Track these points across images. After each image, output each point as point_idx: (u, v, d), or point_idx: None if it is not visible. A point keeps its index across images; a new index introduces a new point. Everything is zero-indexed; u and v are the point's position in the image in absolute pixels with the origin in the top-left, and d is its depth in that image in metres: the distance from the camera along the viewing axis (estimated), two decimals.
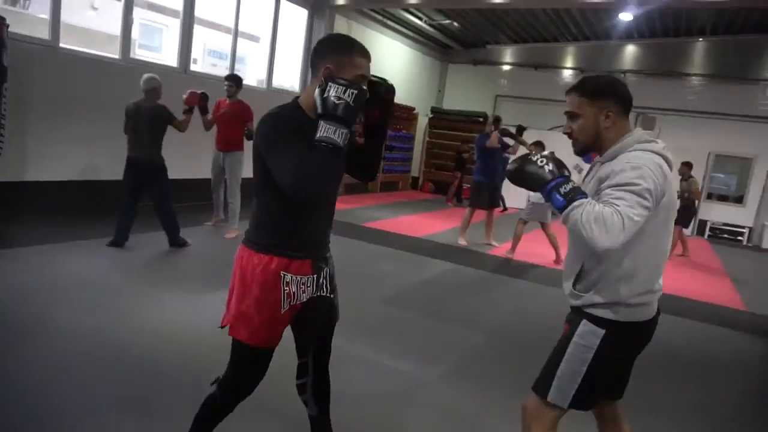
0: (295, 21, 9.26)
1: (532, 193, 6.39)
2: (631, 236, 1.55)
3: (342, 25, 9.92)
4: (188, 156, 6.62)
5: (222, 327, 1.81)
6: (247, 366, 1.81)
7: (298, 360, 1.96)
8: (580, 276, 1.74)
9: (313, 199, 1.67)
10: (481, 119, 12.24)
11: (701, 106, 10.94)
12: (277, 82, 8.99)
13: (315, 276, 1.81)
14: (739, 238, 10.94)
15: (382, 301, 4.33)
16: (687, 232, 8.92)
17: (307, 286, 1.78)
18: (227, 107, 5.82)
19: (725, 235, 11.01)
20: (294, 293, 1.74)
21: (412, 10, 10.45)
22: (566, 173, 1.68)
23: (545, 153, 1.74)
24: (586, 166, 6.60)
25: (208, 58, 11.86)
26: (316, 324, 1.88)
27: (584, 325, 1.71)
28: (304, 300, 1.78)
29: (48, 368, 2.64)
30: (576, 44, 12.33)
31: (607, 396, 1.85)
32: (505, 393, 3.04)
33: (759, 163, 10.61)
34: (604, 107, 1.71)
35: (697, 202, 8.55)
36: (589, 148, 1.78)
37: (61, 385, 2.51)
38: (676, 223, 8.93)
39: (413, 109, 12.47)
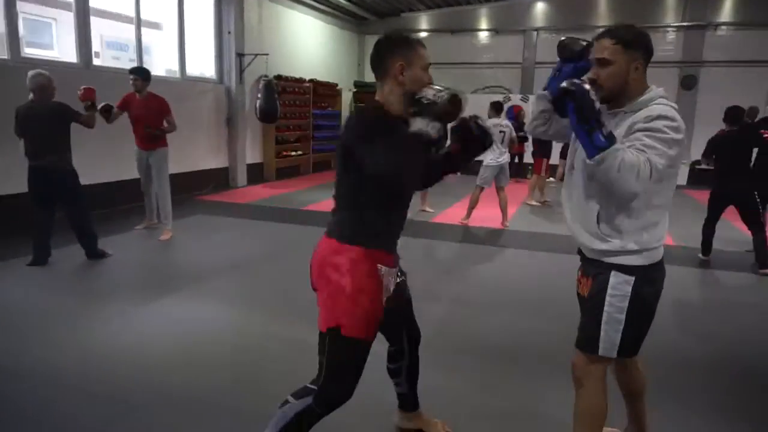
0: (200, 5, 8.71)
1: (487, 158, 6.41)
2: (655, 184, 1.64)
3: (252, 4, 9.47)
4: (110, 156, 6.16)
5: (326, 330, 1.76)
6: (357, 364, 1.79)
7: (390, 347, 2.13)
8: (599, 225, 1.79)
9: (404, 187, 1.79)
10: None
11: None
12: (189, 71, 8.48)
13: (396, 269, 1.93)
14: None
15: None
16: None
17: (393, 278, 1.88)
18: (139, 103, 5.38)
19: None
20: (387, 286, 1.83)
21: None
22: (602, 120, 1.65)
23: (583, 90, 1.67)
24: (505, 122, 6.60)
25: (109, 51, 10.99)
26: (404, 313, 2.05)
27: (615, 276, 1.79)
28: (391, 292, 1.87)
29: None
30: (489, 5, 12.48)
31: None
32: (476, 360, 3.08)
33: None
34: (636, 57, 1.74)
35: None
36: (614, 96, 1.78)
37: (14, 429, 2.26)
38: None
39: (336, 85, 12.23)
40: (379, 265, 1.78)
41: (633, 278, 1.77)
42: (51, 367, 2.80)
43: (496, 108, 6.72)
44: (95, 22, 6.76)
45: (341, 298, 1.73)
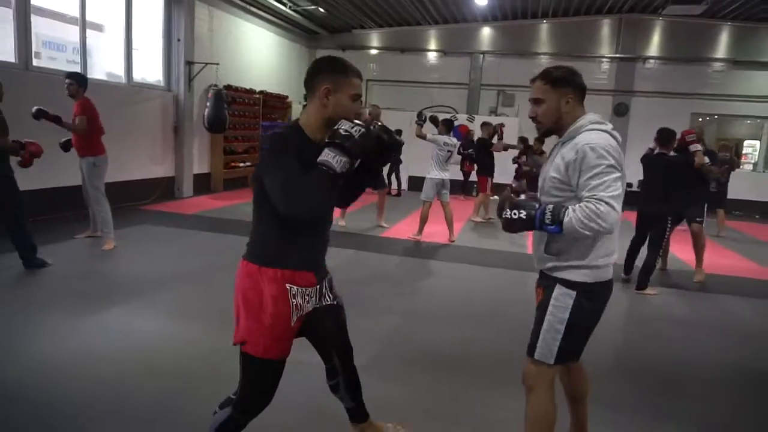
0: (147, 8, 8.51)
1: (430, 173, 6.61)
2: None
3: (203, 12, 9.36)
4: (49, 162, 5.90)
5: (235, 344, 1.82)
6: (263, 380, 1.84)
7: (325, 365, 2.13)
8: (549, 243, 1.96)
9: (299, 217, 1.73)
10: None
11: None
12: (134, 76, 8.25)
13: (318, 287, 1.90)
14: None
15: None
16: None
17: (311, 297, 1.87)
18: (74, 108, 5.20)
19: None
20: (300, 305, 1.82)
21: None
22: (533, 203, 1.89)
23: (504, 198, 1.95)
24: (454, 141, 6.76)
25: (45, 51, 10.50)
26: (329, 331, 2.02)
27: (558, 289, 1.95)
28: (309, 310, 1.86)
29: None
30: (438, 27, 12.88)
31: None
32: (430, 372, 3.18)
33: None
34: (564, 94, 1.95)
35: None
36: (552, 130, 2.01)
37: None
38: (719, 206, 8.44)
39: (286, 97, 12.21)
40: (287, 285, 1.78)
41: (575, 292, 1.92)
42: None
43: (447, 126, 6.94)
44: (34, 21, 6.49)
45: (247, 316, 1.79)
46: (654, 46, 11.93)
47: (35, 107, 4.90)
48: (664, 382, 3.22)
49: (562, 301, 1.93)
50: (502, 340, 3.68)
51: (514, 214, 1.89)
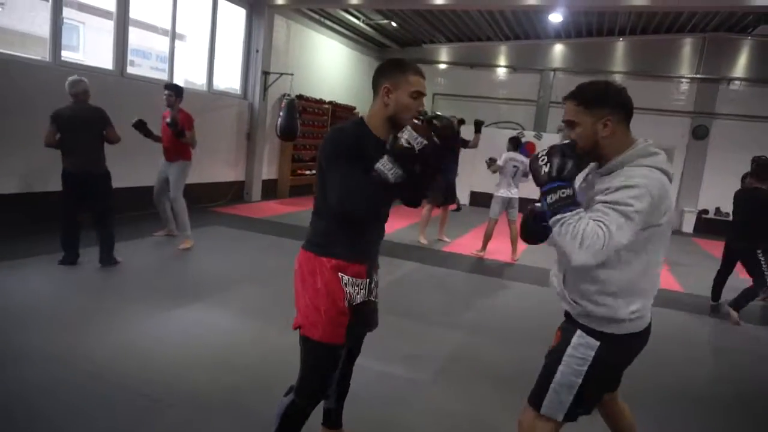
0: (230, 20, 8.98)
1: (499, 191, 6.60)
2: (612, 255, 1.52)
3: (281, 25, 9.76)
4: (125, 162, 6.29)
5: (294, 329, 1.92)
6: (321, 364, 1.89)
7: None
8: (565, 286, 1.72)
9: (353, 217, 1.79)
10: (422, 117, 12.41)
11: None
12: (214, 84, 8.70)
13: (368, 280, 1.96)
14: None
15: None
16: None
17: (362, 289, 1.93)
18: (165, 114, 5.55)
19: None
20: (351, 294, 1.88)
21: (351, 10, 10.43)
22: (564, 176, 1.57)
23: (555, 147, 1.62)
24: (521, 158, 6.70)
25: (131, 58, 11.26)
26: (363, 324, 2.01)
27: (579, 337, 1.67)
28: (358, 302, 1.92)
29: (28, 395, 2.45)
30: (508, 43, 12.79)
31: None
32: (496, 390, 3.15)
33: (676, 153, 11.50)
34: (601, 116, 1.64)
35: None
36: (591, 156, 1.70)
37: (46, 414, 2.34)
38: None
39: (354, 108, 12.47)
40: (340, 274, 1.86)
41: (598, 344, 1.64)
42: (87, 359, 2.90)
43: (514, 143, 6.88)
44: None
45: (304, 302, 1.89)
46: (740, 66, 11.30)
47: (137, 118, 5.31)
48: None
49: (582, 352, 1.65)
50: None
51: (543, 161, 1.59)
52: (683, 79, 11.62)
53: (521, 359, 3.62)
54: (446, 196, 7.24)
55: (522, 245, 7.41)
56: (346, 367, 2.17)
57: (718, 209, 11.25)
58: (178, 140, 5.48)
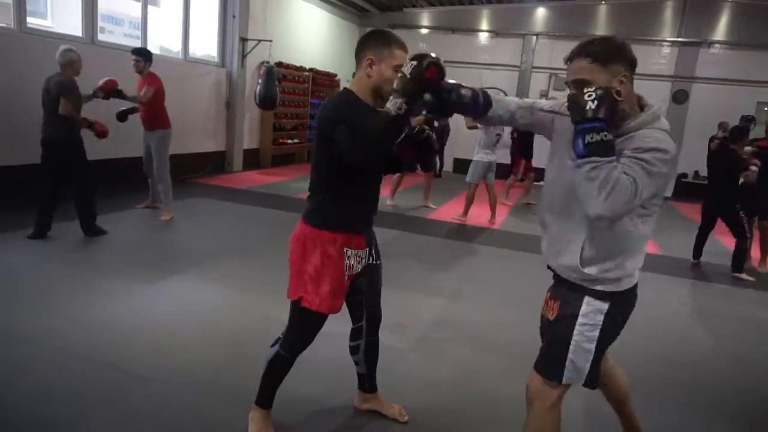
0: None
1: (477, 155, 6.61)
2: (631, 213, 1.57)
3: None
4: (118, 132, 6.15)
5: (290, 299, 2.02)
6: (309, 329, 2.05)
7: (352, 324, 2.21)
8: (584, 250, 1.66)
9: (366, 163, 1.83)
10: None
11: None
12: (191, 52, 8.45)
13: (368, 249, 2.08)
14: None
15: None
16: None
17: (362, 258, 2.05)
18: (140, 84, 5.40)
19: None
20: (352, 265, 2.00)
21: None
22: (608, 119, 1.48)
23: (603, 89, 1.50)
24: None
25: (104, 25, 10.86)
26: (365, 290, 2.13)
27: (588, 304, 1.67)
28: (359, 270, 2.05)
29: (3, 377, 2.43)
30: (490, 7, 12.59)
31: None
32: (474, 354, 3.21)
33: None
34: (617, 72, 1.56)
35: None
36: None
37: (24, 394, 2.33)
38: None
39: (335, 75, 12.26)
40: (344, 248, 1.96)
41: (606, 305, 1.66)
42: (61, 337, 2.87)
43: None
44: None
45: (305, 276, 1.96)
46: (721, 30, 11.30)
47: (117, 112, 5.19)
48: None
49: (592, 318, 1.66)
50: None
51: (590, 96, 1.47)
52: (665, 43, 11.60)
53: (500, 323, 3.70)
54: (424, 162, 7.24)
55: (501, 210, 7.47)
56: (371, 334, 2.23)
57: (696, 173, 11.40)
58: (153, 107, 5.35)
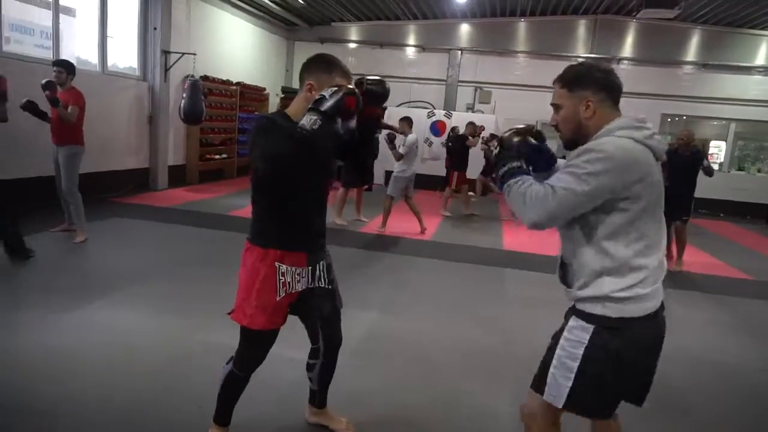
0: None
1: (397, 169, 6.76)
2: (566, 215, 1.56)
3: (180, 1, 9.20)
4: (24, 151, 5.76)
5: (241, 323, 1.98)
6: (252, 347, 2.03)
7: (311, 345, 2.20)
8: (564, 268, 1.69)
9: (267, 174, 1.78)
10: None
11: (528, 80, 12.24)
12: (109, 64, 8.08)
13: (310, 268, 2.02)
14: None
15: None
16: None
17: (302, 277, 2.00)
18: (61, 96, 5.12)
19: None
20: (289, 283, 1.96)
21: None
22: (511, 154, 1.70)
23: (509, 130, 1.76)
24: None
25: (12, 34, 10.18)
26: (318, 314, 2.11)
27: (573, 321, 1.65)
28: (300, 289, 2.00)
29: None
30: (417, 22, 12.91)
31: (626, 400, 1.72)
32: (409, 366, 3.25)
33: None
34: (583, 97, 1.65)
35: None
36: (575, 140, 1.69)
37: None
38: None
39: (264, 89, 12.11)
40: (276, 263, 1.93)
41: (592, 327, 1.59)
42: None
43: (409, 123, 7.16)
44: (3, 3, 6.30)
45: (240, 289, 1.98)
46: (627, 47, 12.20)
47: (26, 99, 4.89)
48: None
49: (576, 334, 1.62)
50: (474, 333, 3.77)
51: (494, 146, 1.75)
52: (579, 59, 12.33)
53: (427, 333, 3.76)
54: (364, 177, 7.30)
55: (434, 221, 7.65)
56: (329, 356, 2.22)
57: None
58: (66, 122, 5.08)
